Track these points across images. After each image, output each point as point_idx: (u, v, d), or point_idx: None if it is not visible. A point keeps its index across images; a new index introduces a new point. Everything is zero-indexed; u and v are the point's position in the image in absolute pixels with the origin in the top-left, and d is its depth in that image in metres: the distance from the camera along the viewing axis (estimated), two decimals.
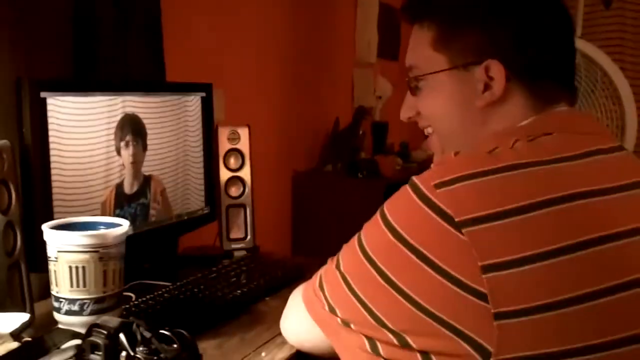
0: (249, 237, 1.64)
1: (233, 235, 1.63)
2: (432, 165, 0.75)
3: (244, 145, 1.62)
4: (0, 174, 0.99)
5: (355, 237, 0.77)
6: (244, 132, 1.63)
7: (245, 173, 1.63)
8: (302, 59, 2.58)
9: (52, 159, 1.13)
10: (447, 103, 0.84)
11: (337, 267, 0.78)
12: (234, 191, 1.63)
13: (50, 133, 1.12)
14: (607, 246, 0.67)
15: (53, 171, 1.13)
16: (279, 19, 2.41)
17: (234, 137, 1.62)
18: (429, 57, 0.84)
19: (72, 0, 1.35)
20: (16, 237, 1.03)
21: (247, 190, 1.63)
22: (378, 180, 2.49)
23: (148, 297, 1.18)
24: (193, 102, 1.50)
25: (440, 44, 0.83)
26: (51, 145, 1.12)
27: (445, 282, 0.65)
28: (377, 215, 0.74)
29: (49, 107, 1.12)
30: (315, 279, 0.83)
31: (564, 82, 0.83)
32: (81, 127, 1.19)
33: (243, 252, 1.60)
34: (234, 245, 1.62)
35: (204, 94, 1.53)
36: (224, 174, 1.61)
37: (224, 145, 1.61)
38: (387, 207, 0.73)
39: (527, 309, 0.64)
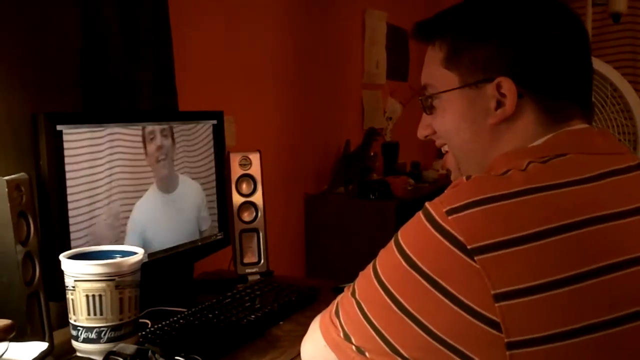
0: (262, 261, 1.65)
1: (247, 260, 1.64)
2: (446, 189, 0.74)
3: (255, 170, 1.65)
4: (19, 207, 1.02)
5: (371, 265, 0.77)
6: (255, 158, 1.65)
7: (258, 198, 1.65)
8: (311, 82, 2.61)
9: (68, 190, 1.15)
10: (459, 121, 0.84)
11: (353, 294, 0.78)
12: (247, 216, 1.65)
13: (67, 165, 1.15)
14: (621, 273, 0.66)
15: (70, 202, 1.15)
16: (287, 43, 2.44)
17: (246, 163, 1.64)
18: (441, 76, 0.84)
19: (81, 34, 1.38)
20: (35, 268, 1.05)
21: (259, 214, 1.65)
22: (390, 201, 2.49)
23: (164, 323, 1.20)
24: (205, 130, 1.53)
25: (451, 62, 0.83)
26: (67, 177, 1.15)
27: (458, 310, 0.65)
28: (392, 242, 0.74)
29: (65, 139, 1.15)
30: (333, 305, 0.83)
31: (579, 99, 0.81)
32: (96, 159, 1.21)
33: (257, 277, 1.62)
34: (248, 270, 1.64)
35: (215, 122, 1.56)
36: (237, 199, 1.63)
37: (235, 171, 1.63)
38: (400, 234, 0.74)
39: (540, 338, 0.63)
